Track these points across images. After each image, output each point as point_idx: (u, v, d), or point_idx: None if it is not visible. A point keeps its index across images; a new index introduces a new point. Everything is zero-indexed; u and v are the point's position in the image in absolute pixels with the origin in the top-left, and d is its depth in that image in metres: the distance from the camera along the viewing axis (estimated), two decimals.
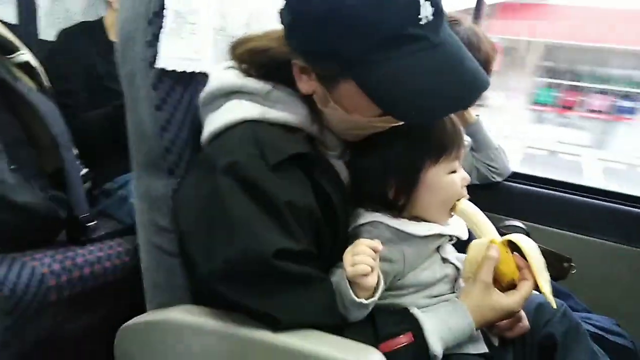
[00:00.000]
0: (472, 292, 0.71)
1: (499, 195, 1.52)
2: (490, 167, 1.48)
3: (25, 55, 1.17)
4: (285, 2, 0.63)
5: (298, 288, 0.62)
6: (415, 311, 0.68)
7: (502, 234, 1.36)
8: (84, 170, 1.22)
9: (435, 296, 0.73)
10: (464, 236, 0.76)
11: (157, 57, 0.69)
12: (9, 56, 1.13)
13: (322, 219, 0.66)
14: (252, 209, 0.60)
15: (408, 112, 0.60)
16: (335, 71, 0.62)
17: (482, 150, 1.47)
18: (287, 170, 0.64)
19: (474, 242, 0.74)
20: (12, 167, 1.02)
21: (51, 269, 1.00)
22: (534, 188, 1.54)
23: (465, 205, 0.74)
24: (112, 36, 1.59)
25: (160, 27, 0.69)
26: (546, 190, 1.54)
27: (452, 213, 0.74)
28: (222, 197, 0.61)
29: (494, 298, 0.70)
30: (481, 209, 1.31)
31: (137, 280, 1.18)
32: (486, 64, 1.25)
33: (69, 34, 1.53)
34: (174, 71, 0.71)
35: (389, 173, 0.71)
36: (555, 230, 1.48)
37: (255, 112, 0.67)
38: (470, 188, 1.49)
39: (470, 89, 0.62)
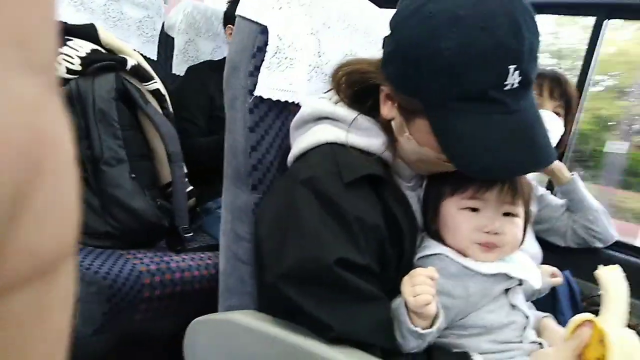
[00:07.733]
0: (550, 357, 0.68)
1: (599, 264, 1.37)
2: (589, 230, 1.33)
3: (157, 84, 1.37)
4: (391, 31, 0.67)
5: (355, 300, 0.63)
6: (476, 358, 0.65)
7: (595, 304, 1.23)
8: (190, 188, 1.36)
9: (502, 342, 0.69)
10: (537, 284, 0.72)
11: (256, 86, 0.78)
12: (144, 83, 1.33)
13: (388, 240, 0.68)
14: (323, 219, 0.64)
15: (467, 165, 0.63)
16: (415, 106, 0.66)
17: (579, 212, 1.33)
18: (359, 189, 0.67)
19: (586, 316, 0.70)
20: (132, 175, 1.19)
21: (148, 268, 1.12)
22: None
23: (613, 274, 0.72)
24: None
25: (262, 60, 0.79)
26: None
27: (491, 254, 0.69)
28: (297, 205, 0.66)
29: None
30: (578, 277, 1.20)
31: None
32: (572, 98, 1.28)
33: (195, 70, 1.74)
34: (269, 99, 0.79)
35: (426, 198, 0.75)
36: None
37: (340, 136, 0.72)
38: (565, 251, 1.37)
39: (533, 162, 0.63)
